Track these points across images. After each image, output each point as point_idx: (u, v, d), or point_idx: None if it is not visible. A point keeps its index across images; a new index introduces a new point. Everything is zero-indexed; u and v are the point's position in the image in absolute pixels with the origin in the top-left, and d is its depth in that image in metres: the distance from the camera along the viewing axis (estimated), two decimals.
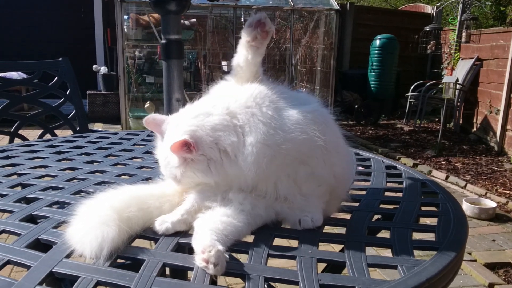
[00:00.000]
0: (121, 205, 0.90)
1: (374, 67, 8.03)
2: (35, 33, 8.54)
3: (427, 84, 7.11)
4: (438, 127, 7.51)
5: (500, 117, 6.12)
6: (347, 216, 1.04)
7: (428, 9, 9.64)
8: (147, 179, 1.26)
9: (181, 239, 0.89)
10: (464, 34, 6.39)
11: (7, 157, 1.46)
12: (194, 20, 7.13)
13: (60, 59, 2.71)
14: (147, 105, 6.46)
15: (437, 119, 8.26)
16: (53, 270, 0.76)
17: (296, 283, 0.75)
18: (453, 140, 6.78)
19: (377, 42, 8.05)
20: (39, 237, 0.88)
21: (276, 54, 7.29)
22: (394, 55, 8.04)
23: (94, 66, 7.69)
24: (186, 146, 0.90)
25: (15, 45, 8.43)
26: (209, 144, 0.91)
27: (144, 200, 0.95)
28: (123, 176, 1.29)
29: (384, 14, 9.71)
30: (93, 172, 1.32)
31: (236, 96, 0.96)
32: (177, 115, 1.00)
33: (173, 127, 0.97)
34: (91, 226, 0.83)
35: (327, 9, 7.18)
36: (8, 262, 0.79)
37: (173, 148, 0.91)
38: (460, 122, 7.42)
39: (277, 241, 0.90)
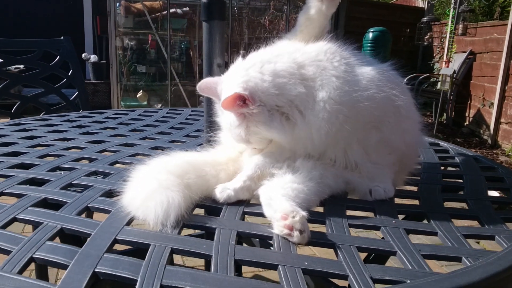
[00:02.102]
0: (179, 171, 0.81)
1: None
2: (22, 21, 8.27)
3: (420, 77, 7.10)
4: (429, 121, 7.51)
5: (494, 110, 6.14)
6: (412, 188, 0.97)
7: (420, 3, 9.66)
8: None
9: (246, 208, 0.80)
10: (460, 26, 6.37)
11: (25, 130, 1.34)
12: (187, 8, 6.98)
13: (62, 38, 2.58)
14: (139, 94, 6.31)
15: (428, 113, 8.26)
16: (117, 237, 0.66)
17: (393, 253, 0.67)
18: (446, 133, 6.78)
19: (370, 35, 8.00)
20: (88, 205, 0.78)
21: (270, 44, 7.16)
22: (387, 48, 7.99)
23: (83, 54, 7.48)
24: (240, 100, 0.80)
25: (1, 32, 8.16)
26: (267, 91, 0.81)
27: (200, 167, 0.86)
28: (155, 149, 1.19)
29: (376, 7, 9.67)
30: (123, 145, 1.21)
31: (303, 50, 0.87)
32: (230, 70, 0.91)
33: (227, 84, 0.88)
34: (152, 191, 0.74)
35: None
36: (62, 230, 0.69)
37: (224, 105, 0.81)
38: (452, 116, 7.44)
39: (349, 213, 0.82)
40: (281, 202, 0.72)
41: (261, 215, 0.78)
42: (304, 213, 0.69)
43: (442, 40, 7.88)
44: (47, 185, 0.87)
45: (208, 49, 1.11)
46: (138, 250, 0.65)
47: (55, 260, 0.60)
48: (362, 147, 0.87)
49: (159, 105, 6.51)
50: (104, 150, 1.15)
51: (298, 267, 0.60)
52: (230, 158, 0.93)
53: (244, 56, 0.89)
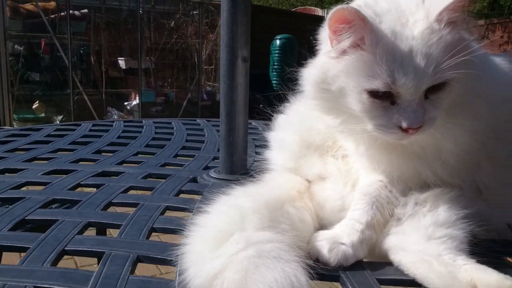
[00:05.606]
0: (268, 221, 0.51)
1: (275, 66, 8.02)
2: None
3: None
4: None
5: None
6: None
7: (319, 12, 10.09)
8: None
9: (374, 274, 0.51)
10: None
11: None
12: (86, 10, 6.35)
13: None
14: (35, 105, 5.58)
15: None
16: None
17: None
18: None
19: (277, 42, 8.09)
20: None
21: (179, 50, 6.81)
22: (294, 54, 8.10)
23: None
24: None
25: None
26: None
27: (285, 209, 0.56)
28: (149, 178, 0.84)
29: (283, 15, 9.83)
30: (136, 154, 0.92)
31: None
32: None
33: None
34: (253, 264, 0.43)
35: None
36: None
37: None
38: None
39: None
40: (485, 272, 0.46)
41: (401, 283, 0.50)
42: None
43: None
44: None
45: (229, 36, 0.81)
46: None
47: None
48: (491, 165, 0.63)
49: (60, 117, 5.80)
50: (123, 161, 0.79)
51: None
52: (300, 190, 0.64)
53: None
